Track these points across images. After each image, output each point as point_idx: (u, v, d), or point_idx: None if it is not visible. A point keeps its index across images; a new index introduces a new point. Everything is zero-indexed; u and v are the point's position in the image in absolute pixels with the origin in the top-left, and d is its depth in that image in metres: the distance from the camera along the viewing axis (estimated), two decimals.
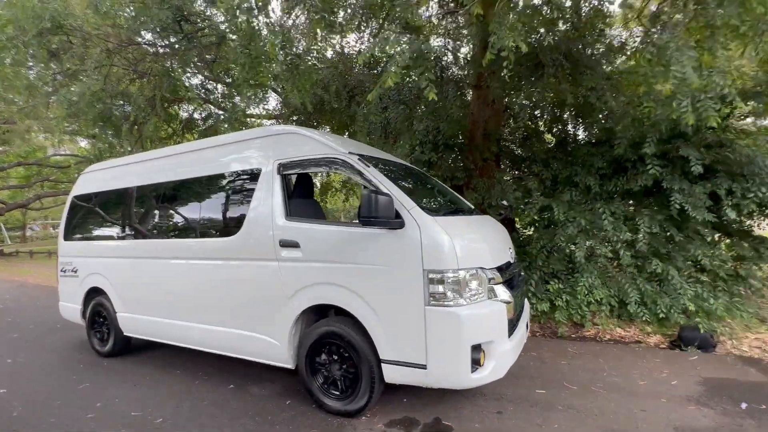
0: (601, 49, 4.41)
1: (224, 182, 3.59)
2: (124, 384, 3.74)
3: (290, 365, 3.16)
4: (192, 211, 3.78)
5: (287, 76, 5.88)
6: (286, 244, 3.07)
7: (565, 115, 6.14)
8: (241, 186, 3.48)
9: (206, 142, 3.89)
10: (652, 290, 4.65)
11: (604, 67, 4.78)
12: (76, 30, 6.37)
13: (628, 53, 4.99)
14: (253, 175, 3.37)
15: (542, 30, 4.03)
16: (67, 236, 5.00)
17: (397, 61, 2.66)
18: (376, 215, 2.50)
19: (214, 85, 11.00)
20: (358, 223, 2.93)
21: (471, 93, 5.72)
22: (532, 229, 5.77)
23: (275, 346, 3.16)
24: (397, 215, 2.63)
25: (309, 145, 3.16)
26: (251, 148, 3.47)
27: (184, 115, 12.67)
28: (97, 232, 4.69)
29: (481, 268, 2.68)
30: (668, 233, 4.69)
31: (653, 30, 3.44)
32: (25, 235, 36.11)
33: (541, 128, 6.34)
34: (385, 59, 7.66)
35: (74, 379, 3.91)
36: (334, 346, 2.96)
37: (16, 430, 2.93)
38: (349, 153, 3.04)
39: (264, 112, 11.83)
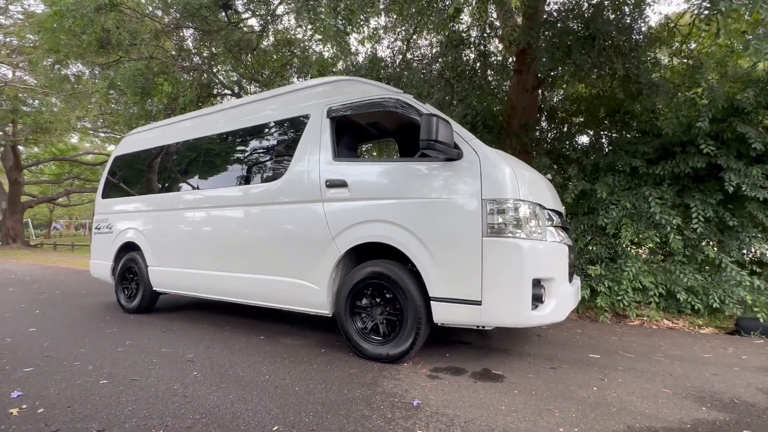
0: (648, 24, 4.31)
1: (271, 130, 3.58)
2: (153, 331, 3.64)
3: (327, 312, 3.02)
4: (236, 160, 3.77)
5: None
6: (333, 184, 3.00)
7: (601, 112, 6.05)
8: (288, 133, 3.46)
9: (257, 96, 3.92)
10: (703, 280, 4.37)
11: (654, 49, 4.69)
12: (130, 9, 6.70)
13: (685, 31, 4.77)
14: (302, 121, 3.35)
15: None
16: (105, 194, 5.05)
17: None
18: (436, 138, 2.42)
19: (248, 83, 11.35)
20: (409, 159, 2.87)
21: (511, 79, 5.67)
22: (569, 216, 5.58)
23: (314, 291, 3.04)
24: (455, 146, 2.55)
25: (361, 89, 3.14)
26: (302, 96, 3.46)
27: None
28: (136, 188, 4.72)
29: (541, 205, 2.55)
30: (721, 219, 4.43)
31: None
32: (49, 233, 37.15)
33: (577, 122, 6.24)
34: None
35: (102, 326, 3.84)
36: (377, 288, 2.82)
37: (48, 355, 2.84)
38: (404, 93, 3.00)
39: None
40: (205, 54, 8.69)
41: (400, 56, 7.81)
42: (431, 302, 2.56)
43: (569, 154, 5.54)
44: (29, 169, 22.73)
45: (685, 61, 4.92)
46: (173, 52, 9.17)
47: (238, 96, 10.73)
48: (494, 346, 3.14)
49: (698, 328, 4.26)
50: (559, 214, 2.80)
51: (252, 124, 3.71)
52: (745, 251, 4.44)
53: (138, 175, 4.78)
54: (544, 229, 2.52)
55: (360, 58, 7.63)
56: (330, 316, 3.04)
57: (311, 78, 5.67)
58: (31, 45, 14.80)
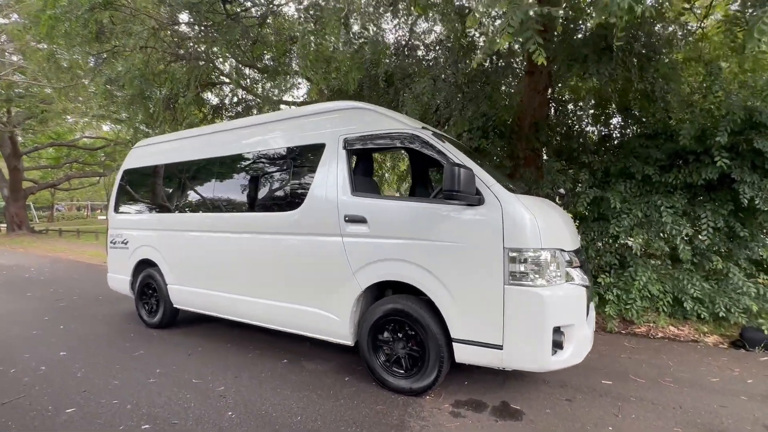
0: (674, 32, 4.17)
1: (285, 156, 3.56)
2: (178, 353, 3.78)
3: (349, 342, 3.13)
4: (251, 185, 3.76)
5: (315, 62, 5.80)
6: (352, 219, 3.02)
7: (611, 108, 5.95)
8: (303, 160, 3.44)
9: (268, 116, 3.86)
10: (710, 288, 4.47)
11: (672, 54, 4.55)
12: (124, 6, 6.45)
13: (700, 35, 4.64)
14: (317, 150, 3.33)
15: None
16: (118, 209, 5.08)
17: (509, 21, 2.56)
18: (459, 189, 2.43)
19: (248, 70, 11.05)
20: (429, 199, 2.89)
21: (523, 79, 5.54)
22: (578, 221, 5.62)
23: (335, 321, 3.14)
24: (477, 191, 2.56)
25: (377, 121, 3.10)
26: (315, 122, 3.42)
27: (214, 100, 12.85)
28: (149, 205, 4.74)
29: (561, 249, 2.60)
30: (731, 229, 4.48)
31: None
32: (52, 215, 37.30)
33: (586, 120, 6.14)
34: (426, 47, 7.53)
35: (128, 347, 3.97)
36: (398, 323, 2.92)
37: (85, 390, 2.98)
38: (423, 128, 2.97)
39: (296, 99, 11.88)
40: (203, 47, 8.42)
41: (404, 43, 7.58)
42: (453, 343, 2.65)
43: (579, 156, 5.49)
44: (28, 155, 22.50)
45: (702, 68, 4.79)
46: (170, 39, 8.89)
47: (238, 84, 10.48)
48: (510, 371, 3.27)
49: (703, 335, 4.41)
50: (577, 251, 2.84)
51: (269, 147, 3.68)
52: (752, 256, 4.50)
53: (150, 190, 4.78)
54: (563, 273, 2.57)
55: (362, 46, 7.37)
56: (352, 345, 3.15)
57: (308, 62, 5.44)
58: (20, 29, 14.27)
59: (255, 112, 12.14)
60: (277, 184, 3.62)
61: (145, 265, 4.71)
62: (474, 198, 2.54)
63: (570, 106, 6.08)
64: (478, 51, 5.35)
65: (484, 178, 2.61)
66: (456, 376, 3.12)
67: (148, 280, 4.64)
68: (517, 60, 5.69)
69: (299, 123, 3.53)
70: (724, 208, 4.43)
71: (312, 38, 5.26)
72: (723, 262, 4.39)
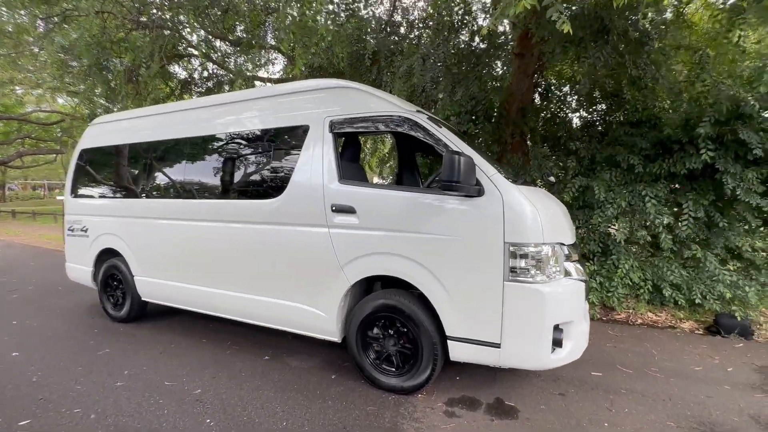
0: (665, 19, 4.07)
1: (264, 138, 3.26)
2: (149, 351, 3.50)
3: (337, 338, 2.96)
4: (226, 169, 3.44)
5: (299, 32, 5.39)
6: (340, 209, 2.80)
7: (598, 94, 5.90)
8: (284, 143, 3.16)
9: (245, 93, 3.51)
10: (688, 276, 4.58)
11: (664, 40, 4.47)
12: None
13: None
14: (300, 132, 3.05)
15: None
16: (76, 192, 4.61)
17: None
18: (458, 179, 2.25)
19: (218, 42, 10.29)
20: (424, 189, 2.71)
21: (513, 62, 5.36)
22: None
23: (321, 318, 2.95)
24: (477, 182, 2.39)
25: (367, 101, 2.85)
26: (298, 102, 3.13)
27: (182, 74, 11.99)
28: (111, 190, 4.31)
29: (561, 243, 2.49)
30: (710, 218, 4.57)
31: None
32: (4, 195, 34.68)
33: (577, 105, 6.08)
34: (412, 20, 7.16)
35: (92, 345, 3.65)
36: (388, 320, 2.77)
37: (42, 398, 2.68)
38: (417, 111, 2.75)
39: (271, 75, 11.24)
40: (168, 14, 7.71)
41: (387, 19, 7.19)
42: (448, 341, 2.54)
43: (566, 143, 5.43)
44: None
45: (689, 57, 4.76)
46: (130, 4, 8.08)
47: (207, 57, 9.77)
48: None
49: (679, 321, 4.55)
50: (574, 245, 2.75)
51: (247, 128, 3.35)
52: (725, 249, 4.62)
53: (114, 173, 4.35)
54: (562, 267, 2.48)
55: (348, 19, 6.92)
56: (339, 342, 2.99)
57: (291, 35, 5.00)
58: None
59: (227, 88, 11.41)
60: (255, 168, 3.33)
61: (108, 254, 4.32)
62: (473, 188, 2.37)
63: (556, 91, 5.97)
64: (467, 29, 5.11)
65: (484, 167, 2.45)
66: (446, 372, 3.03)
67: (112, 271, 4.27)
68: (507, 41, 5.49)
69: (280, 102, 3.22)
70: (705, 198, 4.49)
71: (295, 6, 4.80)
72: (701, 250, 4.49)
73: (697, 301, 4.44)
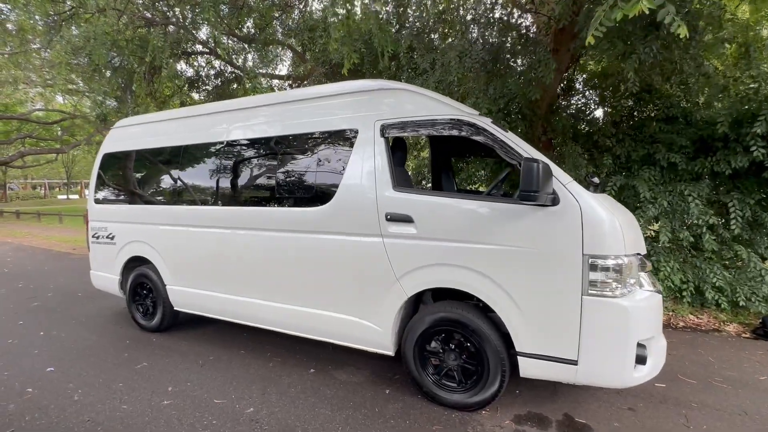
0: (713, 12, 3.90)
1: (310, 143, 3.11)
2: (188, 365, 3.37)
3: (390, 352, 2.84)
4: (268, 175, 3.30)
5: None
6: (395, 218, 2.66)
7: (636, 90, 5.71)
8: (330, 149, 3.01)
9: (286, 95, 3.35)
10: (731, 277, 4.46)
11: (714, 33, 4.31)
12: None
13: None
14: (348, 137, 2.90)
15: None
16: (100, 199, 4.46)
17: None
18: (538, 189, 2.11)
19: (225, 39, 10.08)
20: (488, 197, 2.57)
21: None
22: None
23: (375, 331, 2.82)
24: (552, 191, 2.26)
25: (421, 104, 2.70)
26: (345, 104, 2.97)
27: (188, 72, 11.77)
28: (141, 196, 4.15)
29: (638, 254, 2.36)
30: (755, 218, 4.44)
31: None
32: (5, 195, 34.43)
33: (607, 101, 5.91)
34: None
35: (127, 357, 3.53)
36: (447, 333, 2.64)
37: (89, 419, 2.55)
38: (480, 115, 2.60)
39: (289, 74, 11.02)
40: (182, 10, 7.50)
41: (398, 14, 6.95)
42: (518, 357, 2.41)
43: (599, 141, 5.28)
44: None
45: (734, 51, 4.60)
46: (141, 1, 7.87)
47: (224, 57, 9.56)
48: None
49: (723, 324, 4.43)
50: (647, 255, 2.62)
51: (290, 131, 3.17)
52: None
53: (140, 178, 4.19)
54: (638, 279, 2.35)
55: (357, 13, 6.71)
56: (392, 355, 2.87)
57: (337, 36, 4.78)
58: None
59: (235, 86, 11.19)
60: (299, 175, 3.17)
61: (136, 262, 4.19)
62: (549, 197, 2.24)
63: (587, 89, 5.80)
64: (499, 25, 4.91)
65: (558, 175, 2.31)
66: (508, 385, 2.90)
67: (141, 280, 4.14)
68: (537, 37, 5.31)
69: (325, 104, 3.07)
70: (751, 197, 4.36)
71: (344, 5, 4.61)
72: (746, 251, 4.37)
73: (741, 303, 4.33)
